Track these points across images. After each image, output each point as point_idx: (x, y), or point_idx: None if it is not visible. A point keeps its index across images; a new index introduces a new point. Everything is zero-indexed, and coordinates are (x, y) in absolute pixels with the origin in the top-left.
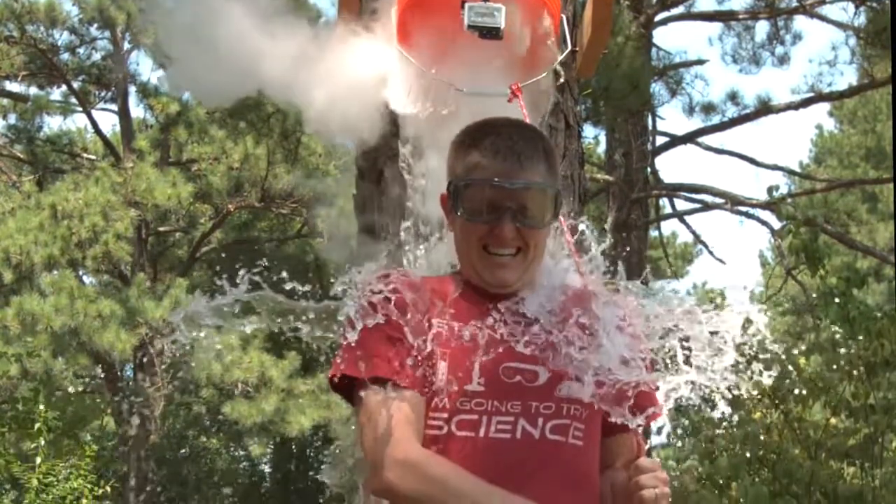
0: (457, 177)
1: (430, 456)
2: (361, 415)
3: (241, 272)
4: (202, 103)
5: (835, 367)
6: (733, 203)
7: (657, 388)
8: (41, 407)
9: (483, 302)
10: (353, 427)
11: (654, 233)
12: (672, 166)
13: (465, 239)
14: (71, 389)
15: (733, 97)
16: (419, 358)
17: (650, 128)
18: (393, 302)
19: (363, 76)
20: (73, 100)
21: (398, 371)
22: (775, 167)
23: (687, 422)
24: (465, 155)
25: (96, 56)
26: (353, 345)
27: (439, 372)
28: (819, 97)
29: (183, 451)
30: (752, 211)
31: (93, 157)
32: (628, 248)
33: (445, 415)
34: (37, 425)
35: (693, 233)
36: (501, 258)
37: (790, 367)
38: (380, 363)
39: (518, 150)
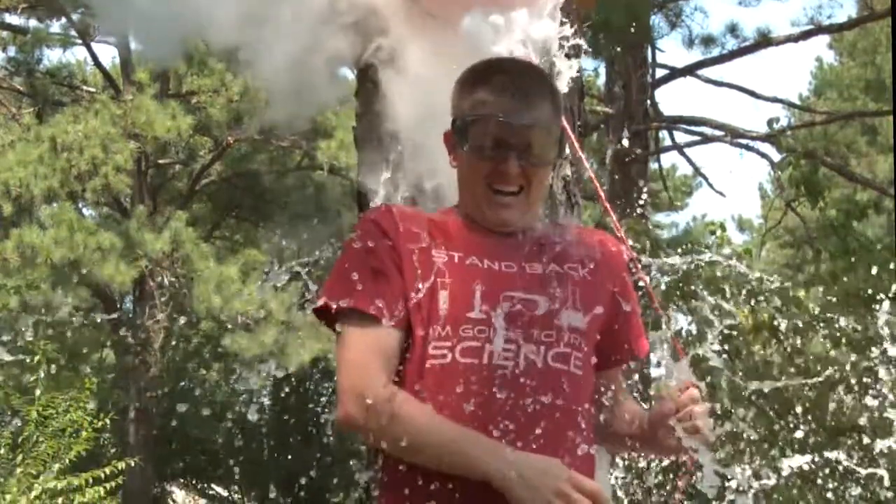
0: (462, 113)
1: (394, 393)
2: (338, 345)
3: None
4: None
5: (834, 299)
6: (733, 135)
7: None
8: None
9: (483, 234)
10: None
11: (653, 165)
12: (672, 99)
13: (469, 175)
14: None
15: (733, 29)
16: (409, 293)
17: (650, 60)
18: (383, 233)
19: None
20: (73, 32)
21: (378, 305)
22: (775, 100)
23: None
24: (472, 92)
25: None
26: (338, 275)
27: (441, 300)
28: (818, 29)
29: (182, 383)
30: (751, 143)
31: (92, 89)
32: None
33: (449, 343)
34: (36, 357)
35: (693, 165)
36: (505, 198)
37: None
38: (360, 296)
39: (524, 89)
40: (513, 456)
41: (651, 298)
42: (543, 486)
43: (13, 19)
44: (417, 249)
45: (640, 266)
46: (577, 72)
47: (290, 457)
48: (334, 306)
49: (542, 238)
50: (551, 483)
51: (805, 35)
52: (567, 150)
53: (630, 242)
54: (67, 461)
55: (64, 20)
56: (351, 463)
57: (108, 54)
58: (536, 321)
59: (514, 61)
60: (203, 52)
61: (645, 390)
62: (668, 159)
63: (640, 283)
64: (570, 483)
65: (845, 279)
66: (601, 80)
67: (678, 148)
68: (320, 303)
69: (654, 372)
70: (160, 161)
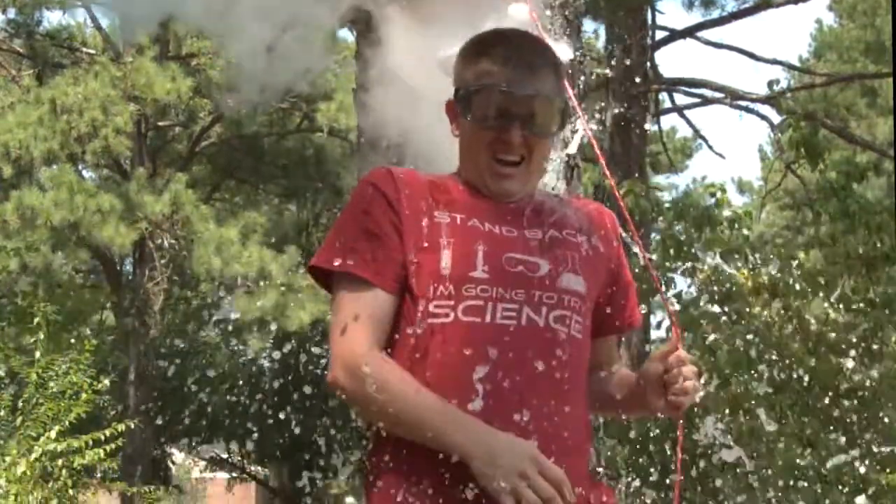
0: (466, 83)
1: (379, 359)
2: (332, 308)
3: None
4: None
5: (834, 261)
6: (733, 97)
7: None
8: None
9: (484, 199)
10: None
11: (653, 127)
12: (672, 61)
13: (472, 144)
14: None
15: None
16: (408, 255)
17: (649, 22)
18: (382, 195)
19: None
20: None
21: (371, 268)
22: (775, 62)
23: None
24: (476, 62)
25: None
26: (334, 236)
27: (443, 260)
28: None
29: (182, 345)
30: (751, 105)
31: (92, 51)
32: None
33: (451, 302)
34: (36, 319)
35: (692, 127)
36: (507, 168)
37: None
38: (354, 259)
39: (528, 59)
40: (482, 431)
41: (648, 270)
42: (507, 464)
43: None
44: (419, 211)
45: (636, 237)
46: (577, 33)
47: (291, 418)
48: (328, 268)
49: (540, 205)
50: (515, 462)
51: None
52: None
53: (629, 204)
54: (67, 423)
55: None
56: (352, 425)
57: (108, 16)
58: (537, 283)
59: (518, 32)
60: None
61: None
62: (668, 121)
63: (635, 252)
64: (534, 465)
65: (845, 241)
66: (601, 42)
67: (678, 110)
68: (314, 263)
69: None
70: (160, 123)
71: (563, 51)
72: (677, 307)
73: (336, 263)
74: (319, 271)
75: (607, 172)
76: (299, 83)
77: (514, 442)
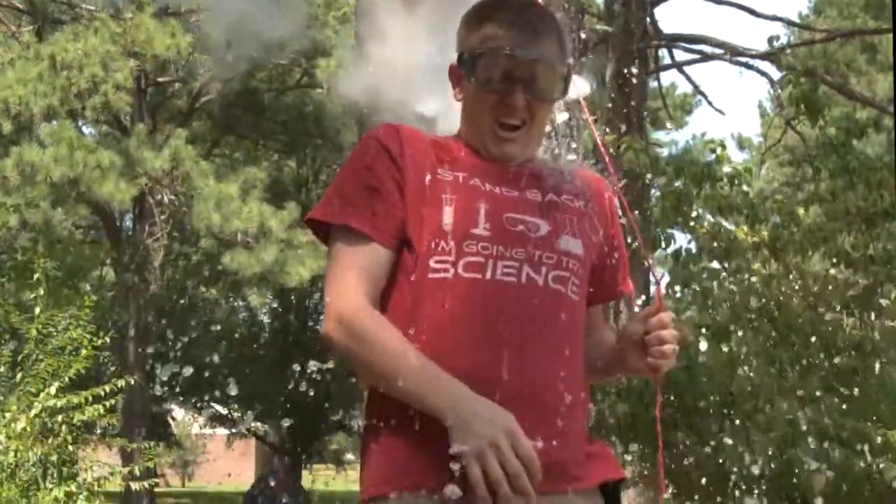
0: (470, 48)
1: (372, 314)
2: (328, 261)
3: None
4: None
5: (834, 218)
6: (733, 53)
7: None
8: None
9: (485, 161)
10: None
11: (653, 84)
12: (671, 17)
13: (474, 108)
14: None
15: None
16: (409, 211)
17: None
18: (385, 150)
19: None
20: None
21: (369, 223)
22: (774, 18)
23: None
24: (479, 27)
25: None
26: (334, 190)
27: (445, 216)
28: None
29: (182, 301)
30: (751, 61)
31: (92, 7)
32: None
33: (452, 258)
34: (36, 275)
35: (692, 83)
36: (509, 132)
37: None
38: (353, 212)
39: (532, 24)
40: (464, 396)
41: (638, 237)
42: (481, 433)
43: None
44: (422, 167)
45: (626, 204)
46: None
47: (290, 374)
48: (326, 221)
49: (540, 170)
50: (490, 431)
51: None
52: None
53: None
54: (67, 379)
55: None
56: (351, 381)
57: None
58: (537, 243)
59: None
60: None
61: None
62: (668, 78)
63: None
64: (508, 438)
65: (844, 197)
66: None
67: (678, 66)
68: (312, 215)
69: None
70: (160, 79)
71: (581, 85)
72: (663, 271)
73: (335, 217)
74: (318, 224)
75: (594, 128)
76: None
77: (494, 411)
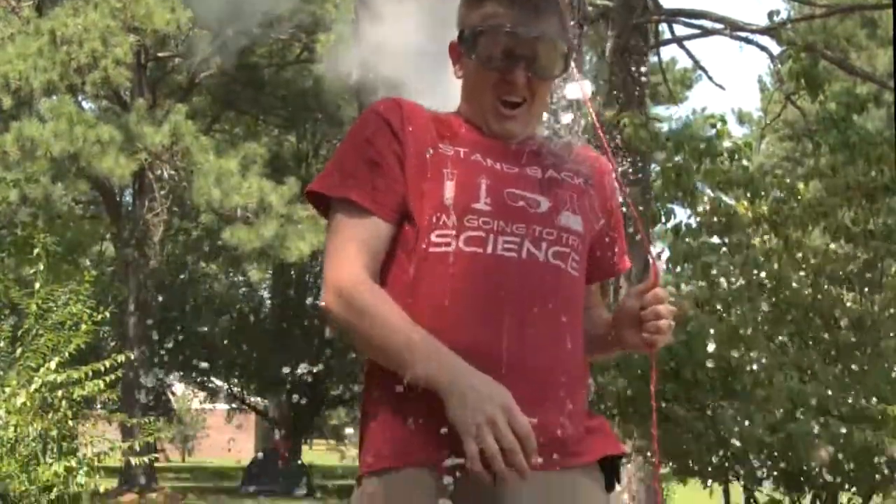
0: (471, 25)
1: (371, 287)
2: (328, 234)
3: None
4: None
5: (834, 192)
6: (733, 28)
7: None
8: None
9: (485, 137)
10: None
11: (653, 58)
12: None
13: (476, 85)
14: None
15: None
16: (410, 185)
17: None
18: (386, 124)
19: None
20: None
21: (369, 196)
22: None
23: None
24: (480, 5)
25: None
26: (334, 163)
27: (447, 190)
28: None
29: (182, 276)
30: (751, 36)
31: None
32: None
33: (453, 232)
34: (36, 250)
35: (692, 58)
36: (510, 110)
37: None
38: (354, 185)
39: (533, 2)
40: (462, 371)
41: (635, 215)
42: (479, 408)
43: None
44: (423, 142)
45: (623, 183)
46: None
47: (289, 349)
48: (326, 193)
49: (540, 147)
50: (487, 406)
51: None
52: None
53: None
54: (67, 354)
55: None
56: (352, 356)
57: None
58: (538, 219)
59: None
60: None
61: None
62: (668, 52)
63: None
64: (505, 413)
65: (845, 172)
66: None
67: (678, 41)
68: (312, 188)
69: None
70: (159, 54)
71: (584, 87)
72: (663, 245)
73: (335, 189)
74: (318, 197)
75: (590, 108)
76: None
77: (491, 386)
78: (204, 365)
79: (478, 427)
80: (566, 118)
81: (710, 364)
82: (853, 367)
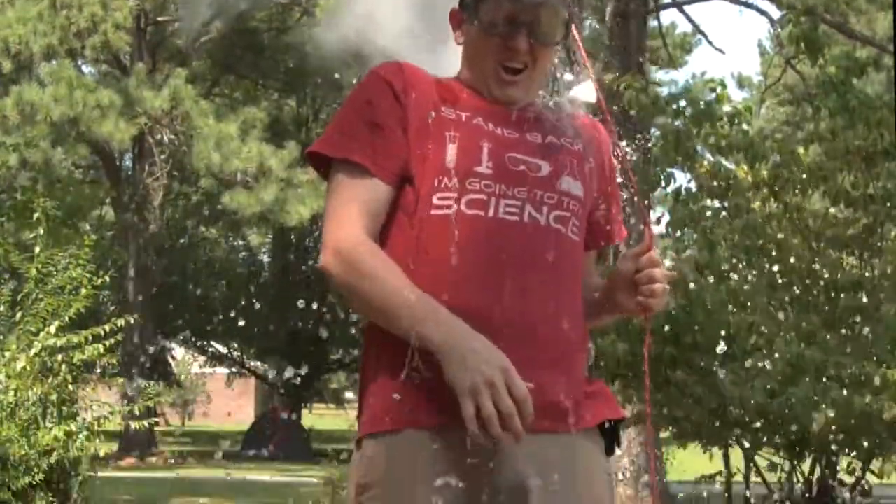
0: None
1: (370, 246)
2: (327, 194)
3: None
4: None
5: (834, 157)
6: None
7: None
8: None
9: (486, 102)
10: None
11: (652, 23)
12: None
13: (478, 51)
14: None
15: None
16: (412, 148)
17: None
18: (388, 86)
19: None
20: None
21: (372, 158)
22: None
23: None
24: None
25: None
26: (335, 125)
27: (449, 153)
28: None
29: (182, 240)
30: (751, 0)
31: None
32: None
33: (455, 194)
34: (36, 215)
35: (692, 22)
36: (512, 76)
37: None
38: (355, 146)
39: None
40: (461, 332)
41: (632, 179)
42: (478, 370)
43: None
44: (425, 105)
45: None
46: None
47: (289, 314)
48: (326, 154)
49: (540, 113)
50: (485, 369)
51: None
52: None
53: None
54: (67, 318)
55: None
56: (352, 320)
57: None
58: (539, 183)
59: None
60: None
61: None
62: (668, 17)
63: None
64: (503, 377)
65: (844, 136)
66: None
67: (678, 5)
68: (313, 148)
69: None
70: (159, 18)
71: (587, 90)
72: (663, 209)
73: (336, 150)
74: (318, 159)
75: (589, 67)
76: None
77: (490, 349)
78: (204, 329)
79: (476, 389)
80: (566, 83)
81: (709, 329)
82: (853, 331)
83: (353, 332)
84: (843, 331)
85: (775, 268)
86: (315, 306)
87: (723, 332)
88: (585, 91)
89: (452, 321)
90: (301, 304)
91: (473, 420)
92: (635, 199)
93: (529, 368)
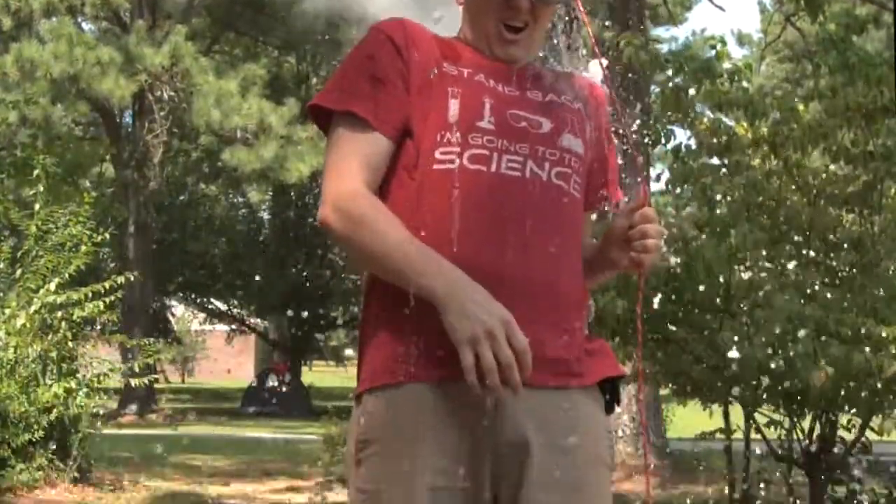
0: None
1: (370, 198)
2: (327, 147)
3: None
4: None
5: (834, 114)
6: None
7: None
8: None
9: (487, 59)
10: None
11: None
12: None
13: (480, 10)
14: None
15: None
16: (414, 103)
17: None
18: (390, 41)
19: None
20: None
21: (373, 112)
22: None
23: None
24: None
25: None
26: (336, 79)
27: (451, 108)
28: None
29: (182, 197)
30: None
31: None
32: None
33: (457, 149)
34: (36, 172)
35: None
36: (514, 34)
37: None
38: (356, 99)
39: None
40: (462, 283)
41: (628, 133)
42: (478, 320)
43: None
44: (428, 61)
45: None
46: None
47: (290, 271)
48: (328, 107)
49: (540, 72)
50: (486, 319)
51: None
52: None
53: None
54: (67, 275)
55: None
56: (351, 276)
57: None
58: (540, 139)
59: None
60: None
61: None
62: None
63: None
64: (503, 328)
65: (844, 93)
66: None
67: None
68: (314, 102)
69: None
70: None
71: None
72: (664, 167)
73: (337, 103)
74: (320, 114)
75: (587, 21)
76: None
77: (490, 301)
78: (204, 286)
79: (476, 338)
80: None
81: (710, 285)
82: (853, 288)
83: (353, 288)
84: (843, 287)
85: (774, 224)
86: (315, 264)
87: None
88: (593, 71)
89: (454, 272)
90: (301, 261)
91: (472, 370)
92: (629, 151)
93: (530, 324)
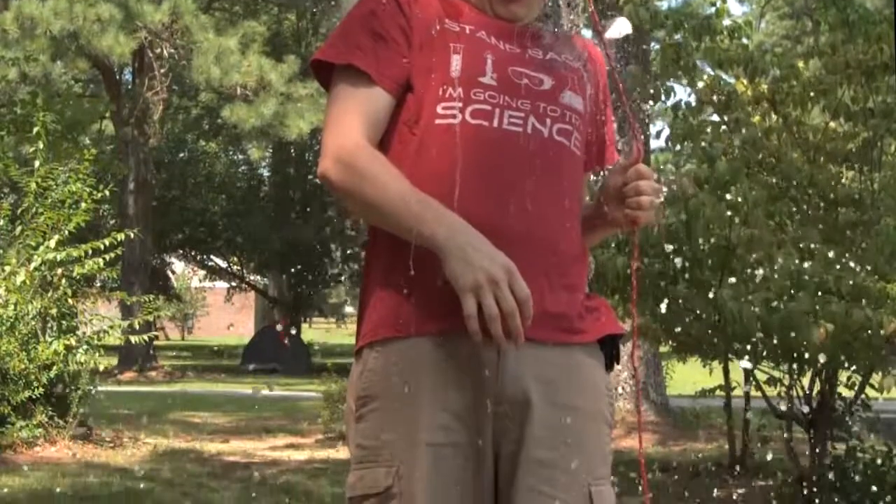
0: None
1: (370, 150)
2: (328, 102)
3: None
4: None
5: (834, 71)
6: None
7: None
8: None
9: (489, 17)
10: None
11: None
12: None
13: None
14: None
15: None
16: (415, 58)
17: None
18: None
19: None
20: None
21: (374, 66)
22: None
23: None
24: None
25: None
26: (338, 34)
27: (454, 63)
28: None
29: (182, 154)
30: None
31: None
32: None
33: (459, 104)
34: (35, 129)
35: None
36: None
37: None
38: (357, 53)
39: None
40: (465, 231)
41: (621, 89)
42: (480, 267)
43: None
44: (429, 16)
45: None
46: None
47: (289, 228)
48: (329, 61)
49: (540, 32)
50: (488, 266)
51: None
52: None
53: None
54: (66, 232)
55: None
56: (351, 233)
57: None
58: (542, 95)
59: None
60: None
61: None
62: None
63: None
64: (506, 276)
65: (844, 50)
66: None
67: None
68: (316, 57)
69: None
70: None
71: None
72: (663, 123)
73: (338, 57)
74: (321, 69)
75: None
76: None
77: (493, 249)
78: (203, 243)
79: (478, 285)
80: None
81: (710, 242)
82: (852, 245)
83: (353, 246)
84: (843, 244)
85: (774, 181)
86: (315, 220)
87: (721, 246)
88: (621, 27)
89: (456, 220)
90: (300, 218)
91: (474, 318)
92: (627, 109)
93: (531, 279)
